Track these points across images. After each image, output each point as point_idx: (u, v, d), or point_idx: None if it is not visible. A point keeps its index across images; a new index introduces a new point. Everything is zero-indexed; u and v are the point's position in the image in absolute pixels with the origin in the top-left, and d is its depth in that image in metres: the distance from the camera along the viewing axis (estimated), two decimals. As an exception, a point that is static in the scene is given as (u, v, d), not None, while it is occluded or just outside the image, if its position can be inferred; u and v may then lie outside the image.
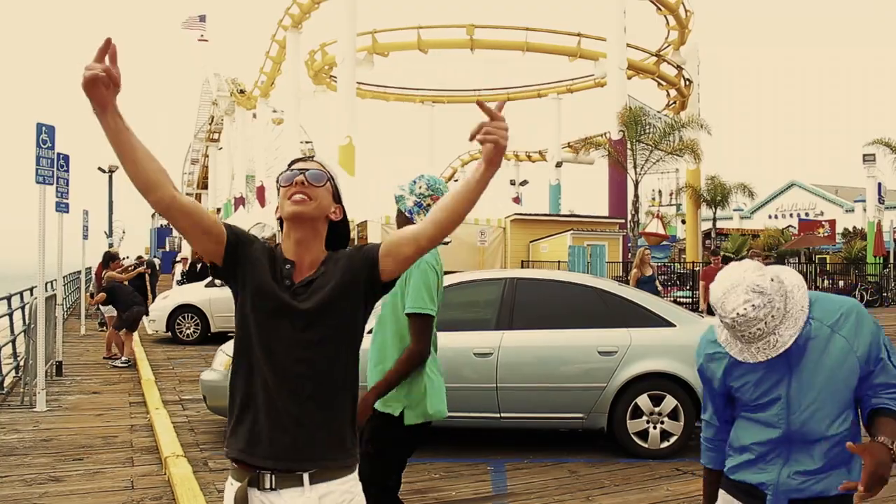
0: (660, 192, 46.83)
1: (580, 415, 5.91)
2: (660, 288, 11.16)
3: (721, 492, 2.27)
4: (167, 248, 49.41)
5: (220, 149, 54.85)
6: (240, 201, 44.12)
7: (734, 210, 46.22)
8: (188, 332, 14.15)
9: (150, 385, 9.07)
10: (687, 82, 35.30)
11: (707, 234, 35.26)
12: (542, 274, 7.12)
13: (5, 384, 9.17)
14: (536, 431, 6.47)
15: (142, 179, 1.80)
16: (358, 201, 19.88)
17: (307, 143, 48.01)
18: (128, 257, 24.80)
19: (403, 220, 3.24)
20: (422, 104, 46.04)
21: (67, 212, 10.46)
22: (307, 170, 2.02)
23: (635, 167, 26.71)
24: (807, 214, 44.70)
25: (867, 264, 29.43)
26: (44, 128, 8.21)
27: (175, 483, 5.10)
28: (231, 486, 1.97)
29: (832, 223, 32.11)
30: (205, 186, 59.83)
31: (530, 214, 24.88)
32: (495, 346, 5.86)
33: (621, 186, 28.45)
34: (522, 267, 21.22)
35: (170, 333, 14.15)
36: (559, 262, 21.20)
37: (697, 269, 21.46)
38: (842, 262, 31.43)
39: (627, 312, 6.09)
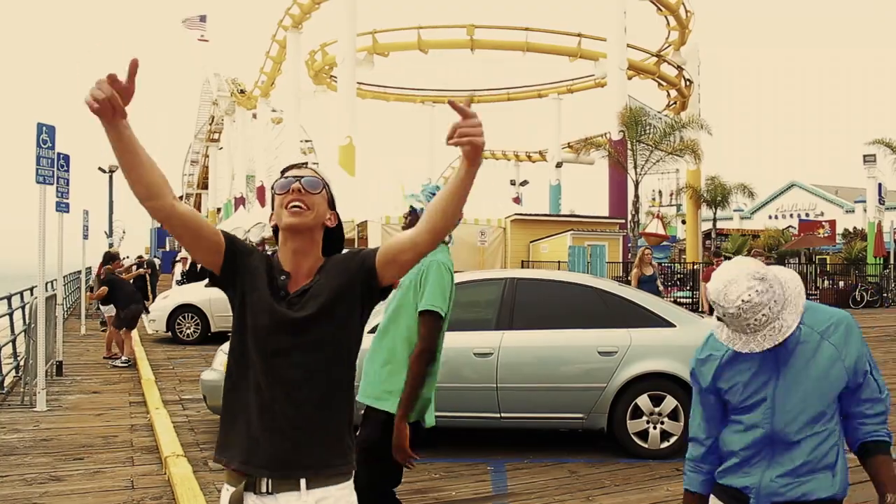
0: (660, 192, 46.83)
1: (580, 415, 5.91)
2: (661, 287, 11.14)
3: (711, 496, 2.29)
4: (167, 248, 49.40)
5: (221, 149, 54.86)
6: (240, 201, 44.13)
7: (734, 210, 46.23)
8: (188, 331, 14.15)
9: (151, 385, 9.07)
10: (687, 82, 35.30)
11: (707, 235, 35.27)
12: (542, 274, 7.12)
13: (5, 384, 9.17)
14: (536, 431, 6.47)
15: (143, 187, 1.80)
16: (358, 201, 19.89)
17: (307, 141, 48.03)
18: (128, 257, 24.81)
19: (417, 220, 3.26)
20: (422, 104, 46.04)
21: (68, 212, 10.46)
22: (302, 177, 2.01)
23: (635, 167, 26.71)
24: (807, 215, 44.71)
25: (867, 265, 29.42)
26: (44, 128, 8.21)
27: (175, 483, 5.10)
28: (227, 491, 1.96)
29: (832, 224, 32.12)
30: (205, 186, 59.84)
31: (530, 214, 24.88)
32: (495, 346, 5.86)
33: (621, 187, 28.46)
34: (522, 267, 21.23)
35: (170, 333, 14.14)
36: (559, 262, 21.21)
37: (697, 268, 21.47)
38: (842, 262, 31.42)
39: (627, 312, 6.09)
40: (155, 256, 39.76)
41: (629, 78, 31.25)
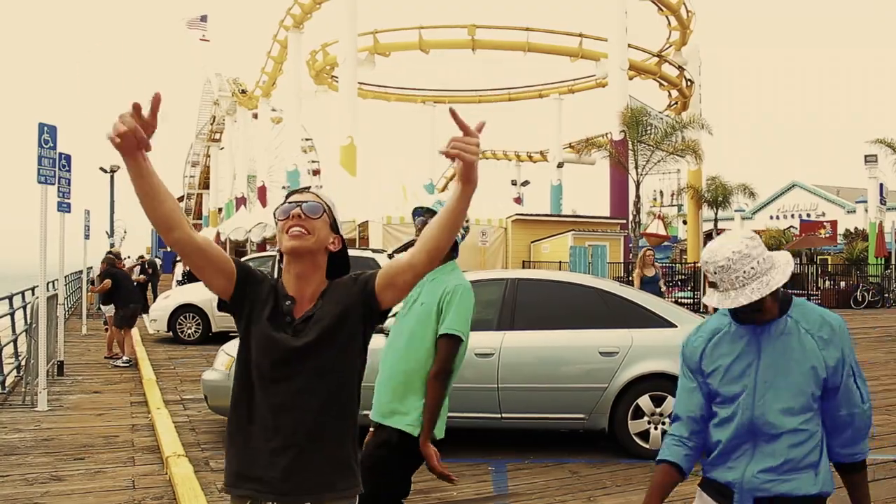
0: (661, 192, 46.85)
1: (581, 415, 5.91)
2: (663, 288, 11.13)
3: (698, 489, 2.32)
4: (168, 248, 49.41)
5: (222, 149, 54.88)
6: (241, 201, 44.13)
7: (735, 211, 46.19)
8: (189, 331, 14.16)
9: (152, 385, 9.07)
10: (688, 83, 35.30)
11: (708, 235, 35.25)
12: (543, 274, 7.11)
13: (7, 384, 9.18)
14: (538, 432, 6.47)
15: (162, 219, 1.84)
16: (359, 201, 19.91)
17: (307, 140, 48.03)
18: (129, 257, 24.82)
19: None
20: (423, 104, 46.05)
21: (69, 211, 10.47)
22: (303, 202, 2.02)
23: (637, 168, 26.71)
24: (808, 215, 44.67)
25: (869, 265, 29.40)
26: (46, 128, 8.21)
27: (176, 483, 5.10)
28: None
29: (833, 224, 32.10)
30: (206, 186, 59.84)
31: (531, 215, 24.90)
32: (496, 347, 5.86)
33: (623, 187, 28.47)
34: (524, 267, 21.24)
35: (171, 333, 14.15)
36: (560, 262, 21.22)
37: (699, 268, 21.44)
38: (843, 263, 31.40)
39: (628, 313, 6.08)
40: (156, 257, 39.80)
41: (630, 78, 31.25)
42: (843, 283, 26.80)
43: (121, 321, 11.38)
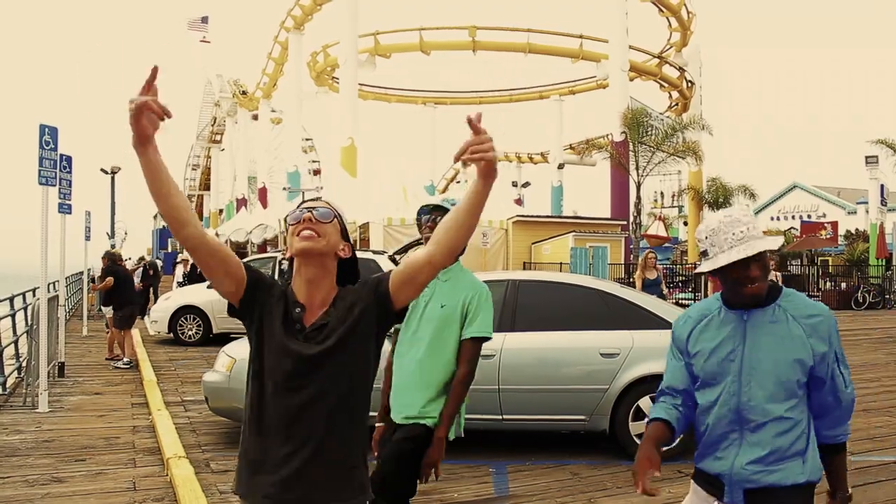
0: (662, 193, 46.86)
1: (582, 417, 5.91)
2: (665, 291, 11.14)
3: (692, 482, 2.36)
4: (169, 250, 49.44)
5: (223, 150, 54.92)
6: (242, 202, 44.17)
7: (736, 212, 46.12)
8: (190, 333, 14.16)
9: (153, 386, 9.07)
10: (689, 84, 35.32)
11: (709, 236, 35.17)
12: (544, 276, 7.12)
13: (8, 385, 9.17)
14: (538, 433, 6.46)
15: (174, 215, 1.86)
16: (360, 203, 19.90)
17: (307, 140, 48.05)
18: (130, 258, 24.82)
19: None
20: (424, 106, 46.08)
21: (70, 213, 10.47)
22: (314, 208, 2.05)
23: (637, 169, 26.71)
24: (809, 216, 44.65)
25: (869, 266, 29.38)
26: (47, 129, 8.21)
27: (177, 484, 5.10)
28: None
29: (834, 225, 32.07)
30: (207, 188, 59.86)
31: (532, 216, 24.90)
32: (497, 348, 5.85)
33: (623, 188, 28.48)
34: (524, 269, 21.24)
35: (172, 335, 14.15)
36: (561, 263, 21.22)
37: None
38: (844, 264, 31.36)
39: (629, 314, 6.08)
40: (157, 258, 39.80)
41: (631, 79, 31.27)
42: (843, 285, 26.80)
43: (120, 322, 11.37)
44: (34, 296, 10.29)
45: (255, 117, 45.84)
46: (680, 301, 20.61)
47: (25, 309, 10.59)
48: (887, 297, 25.42)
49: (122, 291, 11.69)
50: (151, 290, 21.10)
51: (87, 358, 12.24)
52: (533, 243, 22.97)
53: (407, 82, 44.59)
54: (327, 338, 1.95)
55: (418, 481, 3.14)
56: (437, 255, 1.93)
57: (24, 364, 9.51)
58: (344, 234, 2.10)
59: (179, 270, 20.58)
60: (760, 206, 47.53)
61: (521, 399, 5.87)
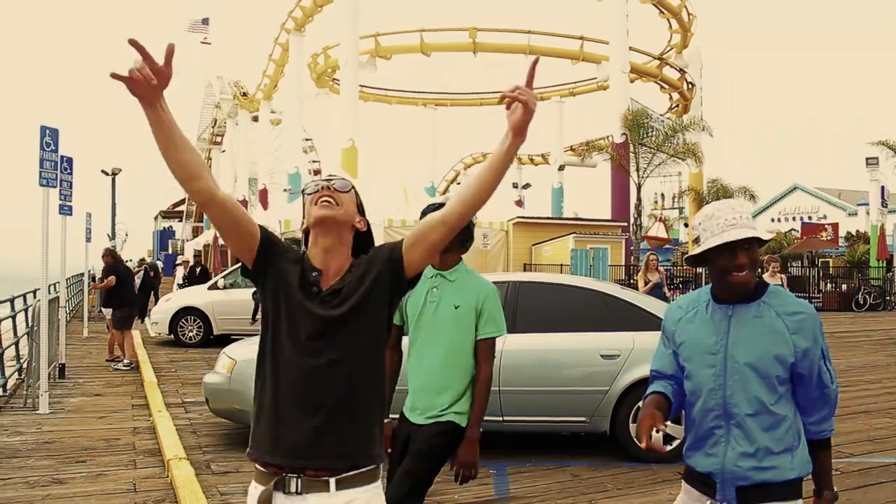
0: (662, 195, 46.84)
1: (583, 418, 5.91)
2: (668, 293, 11.14)
3: (683, 483, 2.37)
4: (169, 251, 49.47)
5: (223, 151, 54.95)
6: (243, 204, 44.07)
7: (737, 213, 46.11)
8: (191, 334, 14.17)
9: (153, 388, 9.07)
10: (689, 85, 35.32)
11: (710, 238, 35.17)
12: (544, 277, 7.12)
13: (8, 386, 9.17)
14: (539, 435, 6.46)
15: (181, 167, 1.85)
16: (360, 204, 19.90)
17: (308, 140, 48.08)
18: (130, 260, 24.83)
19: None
20: (424, 107, 46.10)
21: (71, 214, 10.48)
22: (331, 179, 2.08)
23: (638, 170, 26.72)
24: (809, 218, 44.63)
25: (870, 268, 29.37)
26: (47, 130, 8.22)
27: (178, 486, 5.10)
28: (255, 490, 1.97)
29: (835, 227, 32.03)
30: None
31: (533, 218, 24.90)
32: (498, 350, 5.81)
33: (624, 189, 28.46)
34: (525, 270, 21.23)
35: (172, 336, 14.16)
36: (561, 265, 21.21)
37: (700, 271, 21.43)
38: (845, 265, 31.37)
39: (630, 316, 6.08)
40: (157, 259, 39.82)
41: (631, 81, 31.27)
42: (844, 286, 26.77)
43: (118, 322, 11.37)
44: (35, 297, 10.29)
45: (256, 119, 45.86)
46: (680, 303, 20.58)
47: (26, 310, 10.59)
48: (888, 298, 25.40)
49: (123, 291, 11.70)
50: (152, 292, 21.10)
51: (87, 359, 12.25)
52: (533, 245, 22.97)
53: (407, 84, 44.63)
54: (343, 302, 1.96)
55: (457, 483, 3.18)
56: (453, 214, 1.94)
57: (24, 365, 9.51)
58: (360, 207, 2.13)
59: (180, 272, 20.61)
60: (761, 207, 47.51)
61: (521, 400, 5.87)
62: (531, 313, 6.12)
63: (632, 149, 26.85)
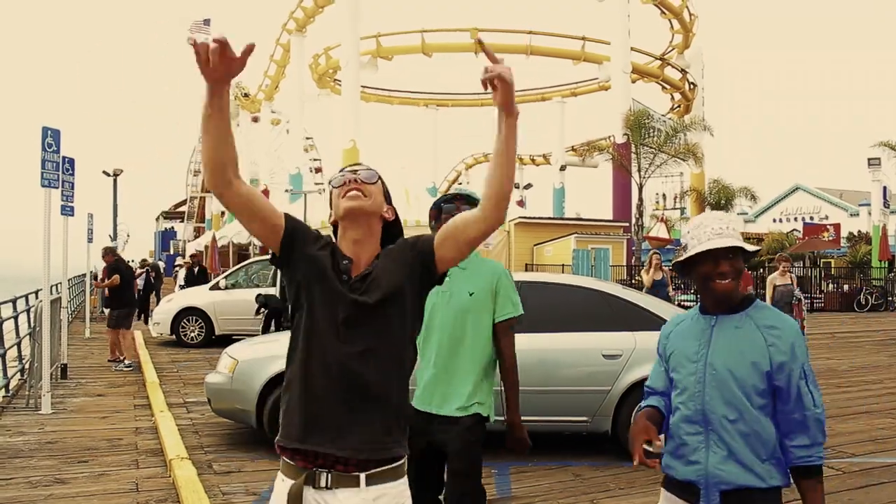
0: (664, 195, 46.75)
1: (584, 418, 5.91)
2: (671, 293, 11.14)
3: (662, 491, 2.37)
4: (171, 252, 49.51)
5: (225, 152, 54.89)
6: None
7: (738, 214, 46.13)
8: (192, 335, 14.18)
9: (155, 388, 9.08)
10: (691, 86, 35.32)
11: (711, 238, 35.12)
12: (546, 277, 7.12)
13: (10, 387, 9.19)
14: (540, 434, 6.45)
15: (222, 163, 1.87)
16: (362, 204, 19.91)
17: (308, 138, 48.09)
18: (133, 260, 24.84)
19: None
20: (426, 108, 46.12)
21: (72, 215, 10.50)
22: (357, 170, 2.07)
23: (639, 170, 26.71)
24: (811, 218, 44.60)
25: (872, 268, 29.36)
26: (49, 131, 8.23)
27: (180, 485, 5.10)
28: (283, 483, 1.96)
29: (837, 227, 31.98)
30: (209, 190, 59.77)
31: (534, 218, 24.92)
32: (499, 350, 5.84)
33: (625, 190, 28.46)
34: (526, 270, 21.23)
35: (174, 336, 14.17)
36: (563, 265, 21.22)
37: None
38: (847, 266, 31.35)
39: (632, 315, 6.08)
40: (159, 260, 39.85)
41: (633, 81, 31.29)
42: (846, 287, 26.77)
43: (116, 321, 11.37)
44: (37, 298, 10.31)
45: (256, 119, 45.90)
46: (682, 303, 20.59)
47: (28, 311, 10.61)
48: (890, 299, 25.39)
49: (124, 291, 11.71)
50: (154, 292, 21.11)
51: (89, 360, 12.26)
52: (535, 245, 22.98)
53: (409, 84, 44.72)
54: (374, 289, 1.95)
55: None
56: (487, 210, 1.93)
57: (26, 366, 9.52)
58: (387, 196, 2.12)
59: (181, 273, 20.60)
60: (763, 207, 47.53)
61: (523, 400, 5.81)
62: (533, 313, 6.06)
63: (633, 149, 26.86)
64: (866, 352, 13.37)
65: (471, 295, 3.17)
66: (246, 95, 45.91)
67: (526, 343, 5.98)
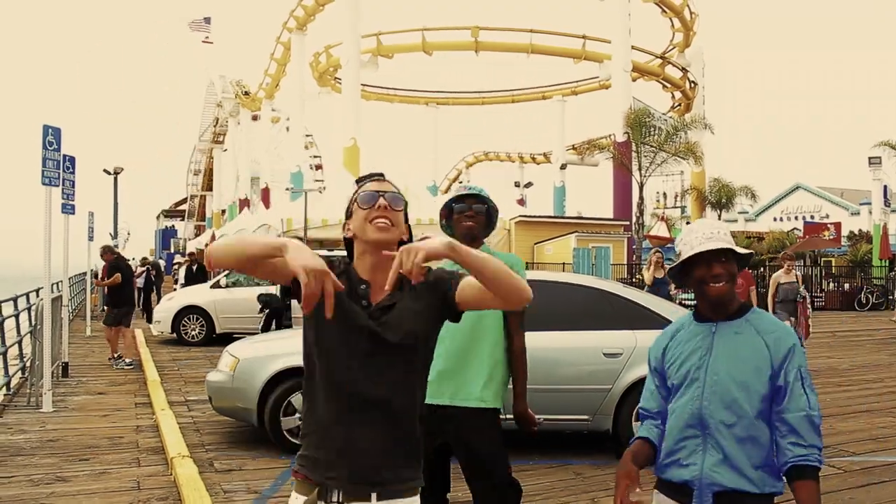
0: (664, 194, 46.79)
1: (585, 416, 5.91)
2: (673, 291, 11.14)
3: (655, 492, 2.38)
4: (171, 250, 49.51)
5: (225, 150, 54.97)
6: (244, 203, 44.18)
7: (739, 212, 46.16)
8: (193, 333, 14.19)
9: (156, 386, 9.09)
10: (692, 84, 35.30)
11: (711, 237, 35.10)
12: (546, 276, 7.11)
13: (12, 385, 9.19)
14: (541, 433, 6.45)
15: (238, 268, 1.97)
16: (362, 203, 19.90)
17: (308, 136, 48.11)
18: (133, 258, 24.85)
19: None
20: (426, 106, 46.11)
21: (73, 213, 10.49)
22: (386, 192, 2.03)
23: (640, 169, 26.71)
24: (812, 217, 44.57)
25: (873, 267, 29.36)
26: (50, 130, 8.23)
27: (181, 483, 5.11)
28: (296, 499, 1.98)
29: (837, 226, 31.99)
30: (209, 188, 59.91)
31: (535, 216, 24.91)
32: (500, 348, 5.84)
33: (626, 188, 28.44)
34: (527, 269, 21.23)
35: (175, 335, 14.18)
36: (564, 263, 21.21)
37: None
38: (847, 265, 31.33)
39: (632, 314, 6.08)
40: (160, 258, 39.85)
41: (634, 80, 31.27)
42: (847, 286, 26.78)
43: (112, 319, 11.37)
44: (38, 296, 10.32)
45: (256, 118, 45.89)
46: (683, 301, 20.59)
47: (29, 309, 10.61)
48: (890, 298, 25.37)
49: (125, 288, 11.71)
50: (154, 290, 21.12)
51: (90, 358, 12.27)
52: (535, 243, 22.97)
53: (409, 83, 44.68)
54: (395, 330, 1.95)
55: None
56: (500, 304, 1.96)
57: (27, 364, 9.54)
58: (406, 216, 2.10)
59: (181, 271, 20.61)
60: (764, 206, 47.51)
61: (524, 399, 5.86)
62: (533, 311, 6.08)
63: (634, 147, 26.85)
64: (867, 350, 13.37)
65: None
66: (246, 94, 45.91)
67: (526, 341, 6.00)
